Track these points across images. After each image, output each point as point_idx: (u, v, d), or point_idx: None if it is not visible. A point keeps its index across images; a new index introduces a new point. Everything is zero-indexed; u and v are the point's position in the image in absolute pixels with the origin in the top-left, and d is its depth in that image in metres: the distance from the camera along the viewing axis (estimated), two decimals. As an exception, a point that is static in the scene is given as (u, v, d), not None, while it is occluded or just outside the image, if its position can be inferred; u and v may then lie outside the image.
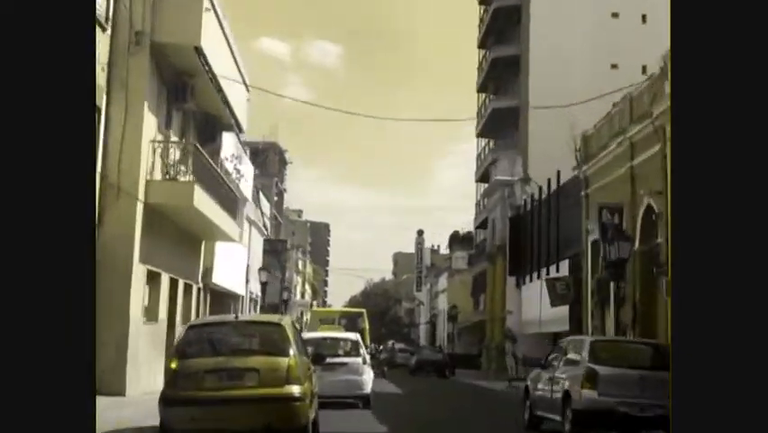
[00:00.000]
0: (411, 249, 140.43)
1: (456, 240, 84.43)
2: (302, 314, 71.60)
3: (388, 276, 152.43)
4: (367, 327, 34.70)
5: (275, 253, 59.21)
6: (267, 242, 61.05)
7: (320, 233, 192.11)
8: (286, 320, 12.15)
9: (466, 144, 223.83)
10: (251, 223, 39.92)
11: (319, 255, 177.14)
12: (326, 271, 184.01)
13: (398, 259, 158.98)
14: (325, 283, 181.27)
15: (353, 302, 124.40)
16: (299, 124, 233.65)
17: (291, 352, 10.93)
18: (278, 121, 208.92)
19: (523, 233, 42.60)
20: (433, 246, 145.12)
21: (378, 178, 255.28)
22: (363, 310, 41.29)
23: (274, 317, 13.13)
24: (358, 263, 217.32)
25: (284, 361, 10.77)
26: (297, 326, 16.30)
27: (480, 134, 59.49)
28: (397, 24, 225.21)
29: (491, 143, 57.39)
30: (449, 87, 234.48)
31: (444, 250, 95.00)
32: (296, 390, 10.64)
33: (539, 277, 38.59)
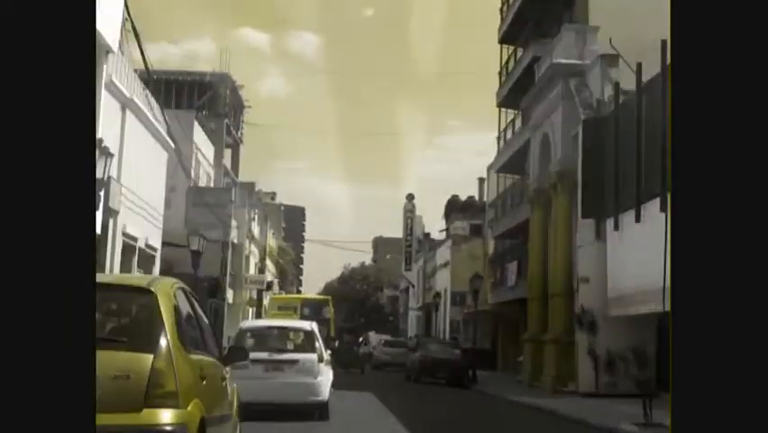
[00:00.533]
0: (392, 233, 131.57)
1: (455, 207, 66.06)
2: (259, 294, 53.07)
3: (368, 262, 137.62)
4: (333, 316, 31.58)
5: (214, 206, 40.59)
6: (201, 191, 42.67)
7: (295, 217, 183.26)
8: (162, 285, 6.43)
9: (448, 137, 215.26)
10: (127, 106, 20.92)
11: (294, 241, 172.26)
12: (301, 257, 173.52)
13: (379, 244, 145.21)
14: (300, 271, 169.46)
15: (329, 289, 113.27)
16: (277, 113, 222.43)
17: (162, 343, 5.84)
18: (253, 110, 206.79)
19: (610, 144, 24.09)
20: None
21: (356, 169, 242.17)
22: (329, 298, 37.84)
23: (141, 279, 7.30)
24: (335, 251, 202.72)
25: (145, 360, 5.74)
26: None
27: (503, 39, 41.27)
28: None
29: (516, 54, 39.19)
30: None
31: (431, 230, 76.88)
32: (166, 419, 5.64)
33: (665, 209, 20.12)
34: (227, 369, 7.89)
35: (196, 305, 7.29)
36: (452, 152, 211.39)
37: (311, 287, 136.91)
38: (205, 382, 6.48)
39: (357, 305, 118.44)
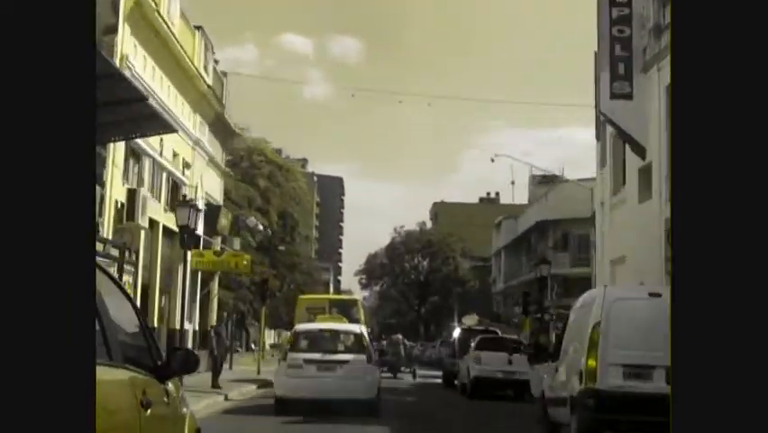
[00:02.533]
0: (456, 198, 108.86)
1: None
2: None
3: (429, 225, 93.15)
4: (363, 317, 28.17)
5: None
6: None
7: (331, 189, 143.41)
8: None
9: (495, 139, 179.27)
10: None
11: (330, 216, 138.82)
12: (340, 240, 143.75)
13: (439, 211, 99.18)
14: (339, 250, 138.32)
15: (371, 264, 76.87)
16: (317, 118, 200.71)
17: None
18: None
19: None
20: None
21: (399, 170, 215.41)
22: (358, 298, 35.64)
23: None
24: (381, 215, 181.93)
25: None
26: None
27: None
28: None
29: None
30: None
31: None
32: None
33: None
34: (167, 386, 4.88)
35: (101, 293, 4.19)
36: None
37: (351, 261, 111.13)
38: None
39: (413, 287, 72.71)
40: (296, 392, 15.12)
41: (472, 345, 21.44)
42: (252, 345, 66.40)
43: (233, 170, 46.88)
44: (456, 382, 23.43)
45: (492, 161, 38.37)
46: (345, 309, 28.65)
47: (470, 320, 31.94)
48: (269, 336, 74.51)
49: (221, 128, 26.94)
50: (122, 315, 4.43)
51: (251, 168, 47.81)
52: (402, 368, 32.56)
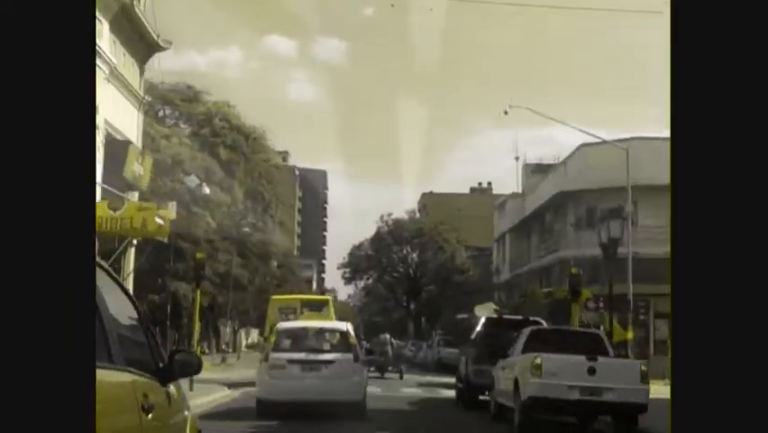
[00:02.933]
0: (445, 189, 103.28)
1: None
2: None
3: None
4: (333, 316, 27.76)
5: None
6: None
7: (314, 183, 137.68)
8: None
9: (477, 138, 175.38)
10: None
11: (313, 213, 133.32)
12: (324, 237, 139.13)
13: (428, 202, 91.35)
14: (322, 247, 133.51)
15: (355, 257, 71.31)
16: (303, 120, 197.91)
17: None
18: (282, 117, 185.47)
19: None
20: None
21: (386, 164, 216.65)
22: (329, 298, 35.64)
23: None
24: (367, 210, 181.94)
25: None
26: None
27: None
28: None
29: None
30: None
31: None
32: None
33: None
34: (168, 388, 4.81)
35: (101, 291, 4.10)
36: None
37: (335, 258, 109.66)
38: None
39: (402, 281, 67.21)
40: (278, 394, 14.48)
41: (519, 344, 13.17)
42: (224, 347, 59.25)
43: (192, 140, 38.96)
44: (488, 397, 15.38)
45: (506, 113, 30.59)
46: (317, 309, 27.84)
47: (485, 310, 24.14)
48: (241, 335, 67.25)
49: (133, 34, 18.49)
50: (121, 313, 4.27)
51: (212, 136, 39.91)
52: (389, 368, 31.33)
